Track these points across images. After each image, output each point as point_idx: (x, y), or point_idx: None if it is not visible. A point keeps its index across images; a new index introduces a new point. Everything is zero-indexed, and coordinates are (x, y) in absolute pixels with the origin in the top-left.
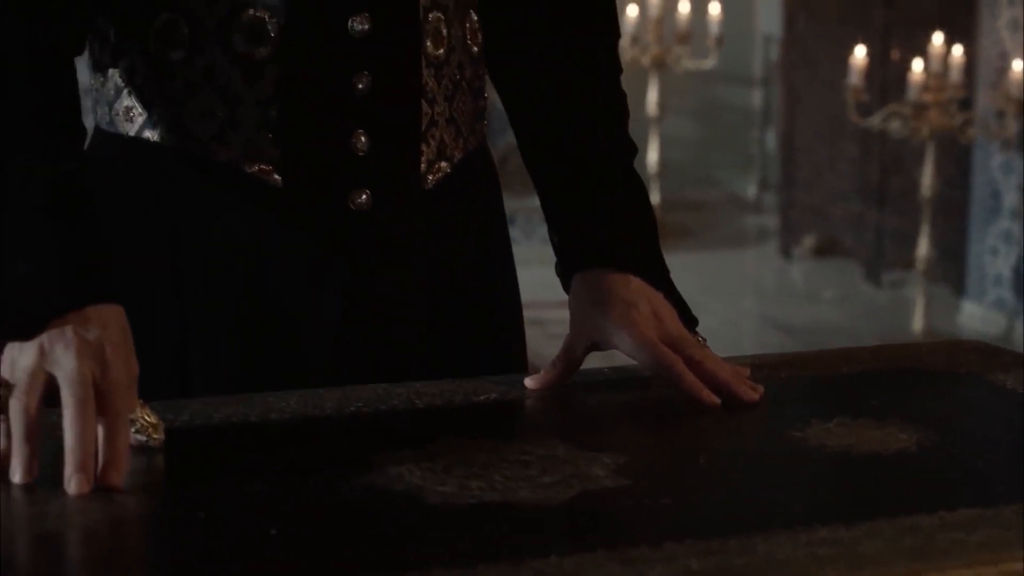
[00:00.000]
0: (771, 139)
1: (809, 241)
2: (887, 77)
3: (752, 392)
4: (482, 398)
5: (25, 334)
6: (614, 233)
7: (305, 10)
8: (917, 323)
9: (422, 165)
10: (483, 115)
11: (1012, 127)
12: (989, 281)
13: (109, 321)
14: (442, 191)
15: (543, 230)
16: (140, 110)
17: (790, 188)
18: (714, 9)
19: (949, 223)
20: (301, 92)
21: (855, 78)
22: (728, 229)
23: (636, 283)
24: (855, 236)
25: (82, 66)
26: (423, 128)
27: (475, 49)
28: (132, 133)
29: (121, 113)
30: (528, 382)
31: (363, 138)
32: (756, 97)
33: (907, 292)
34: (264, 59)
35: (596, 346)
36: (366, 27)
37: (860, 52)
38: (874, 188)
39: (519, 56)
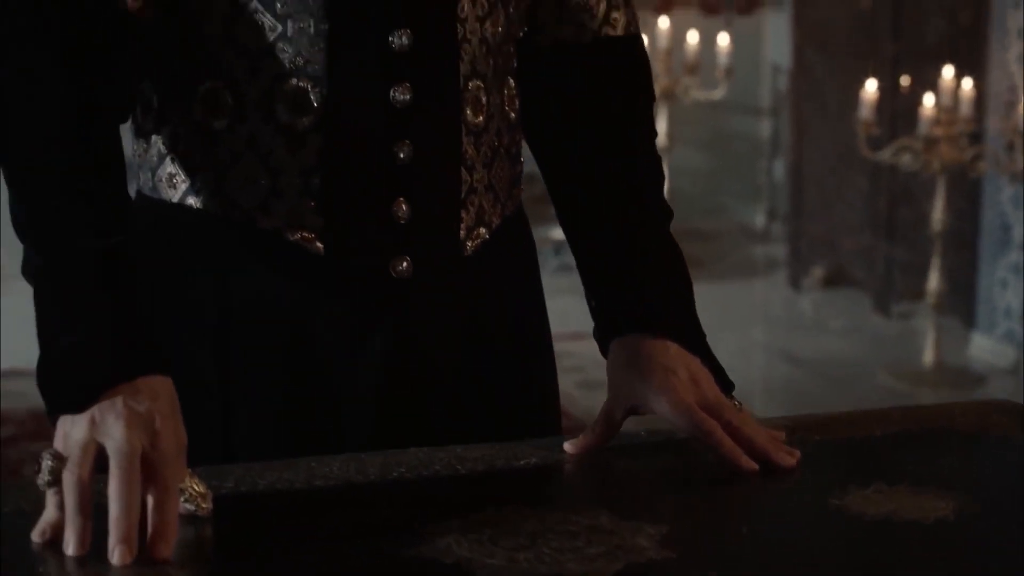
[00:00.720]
0: (779, 169)
1: (818, 272)
2: (896, 109)
3: (789, 457)
4: (523, 463)
5: (77, 407)
6: (652, 299)
7: (347, 80)
8: (927, 355)
9: (461, 232)
10: (519, 180)
11: (1022, 161)
12: (999, 313)
13: (159, 392)
14: (481, 257)
15: (555, 260)
16: (183, 177)
17: (799, 219)
18: (723, 40)
19: (959, 255)
20: (344, 161)
21: (866, 112)
22: (737, 259)
23: (674, 349)
24: (864, 267)
25: (124, 131)
26: (463, 195)
27: (512, 115)
28: (175, 200)
29: (164, 180)
30: (567, 447)
31: (404, 206)
32: (765, 127)
33: (916, 323)
34: (307, 128)
35: (635, 410)
36: (407, 97)
37: (871, 86)
38: (883, 219)
39: (556, 121)
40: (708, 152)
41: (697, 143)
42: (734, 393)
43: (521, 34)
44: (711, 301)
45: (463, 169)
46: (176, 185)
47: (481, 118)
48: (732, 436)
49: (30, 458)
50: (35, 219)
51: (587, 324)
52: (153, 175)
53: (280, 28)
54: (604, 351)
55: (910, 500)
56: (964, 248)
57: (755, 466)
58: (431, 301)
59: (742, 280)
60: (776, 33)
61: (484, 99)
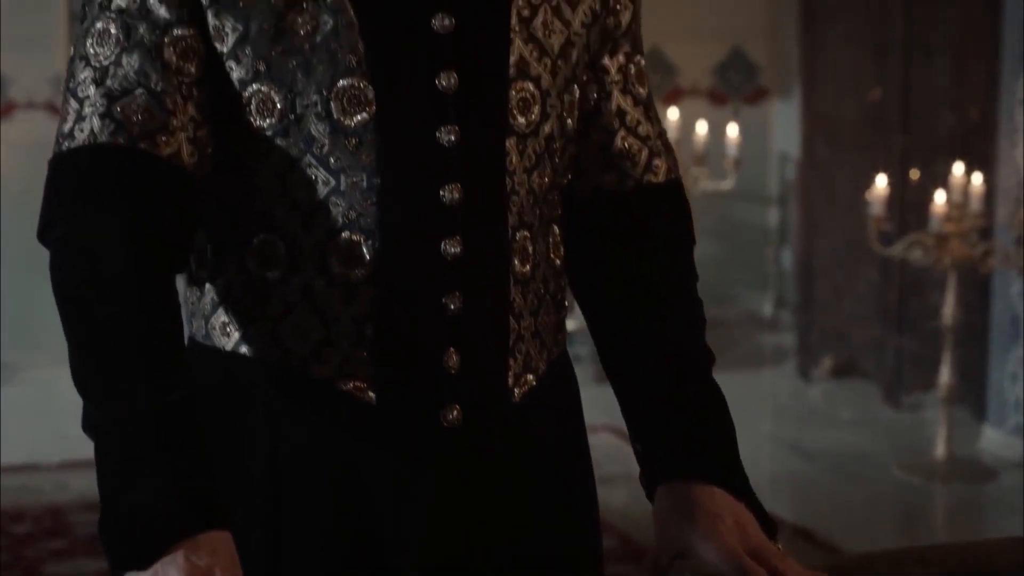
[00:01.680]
0: (787, 257)
1: (828, 362)
2: (906, 202)
3: None
4: None
5: (140, 563)
6: (696, 445)
7: (399, 233)
8: (939, 448)
9: (509, 379)
10: (564, 326)
11: None
12: (1010, 407)
13: (219, 547)
14: (528, 403)
15: (577, 349)
16: (236, 326)
17: (808, 309)
18: (732, 131)
19: (969, 348)
20: (395, 312)
21: (876, 208)
22: (745, 348)
23: (720, 494)
24: (874, 358)
25: (178, 278)
26: (510, 344)
27: (557, 262)
28: (228, 348)
29: (217, 328)
30: None
31: (455, 356)
32: (772, 215)
33: (927, 415)
34: (359, 280)
35: (682, 555)
36: (458, 250)
37: (881, 181)
38: (893, 311)
39: (598, 267)
40: (715, 240)
41: (704, 232)
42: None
43: (565, 181)
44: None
45: (511, 318)
46: (229, 334)
47: (528, 267)
48: None
49: (50, 557)
50: (95, 375)
51: (594, 416)
52: (206, 323)
53: (333, 182)
54: (650, 495)
55: None
56: (974, 341)
57: None
58: (478, 447)
59: (751, 369)
60: (784, 122)
61: (531, 248)
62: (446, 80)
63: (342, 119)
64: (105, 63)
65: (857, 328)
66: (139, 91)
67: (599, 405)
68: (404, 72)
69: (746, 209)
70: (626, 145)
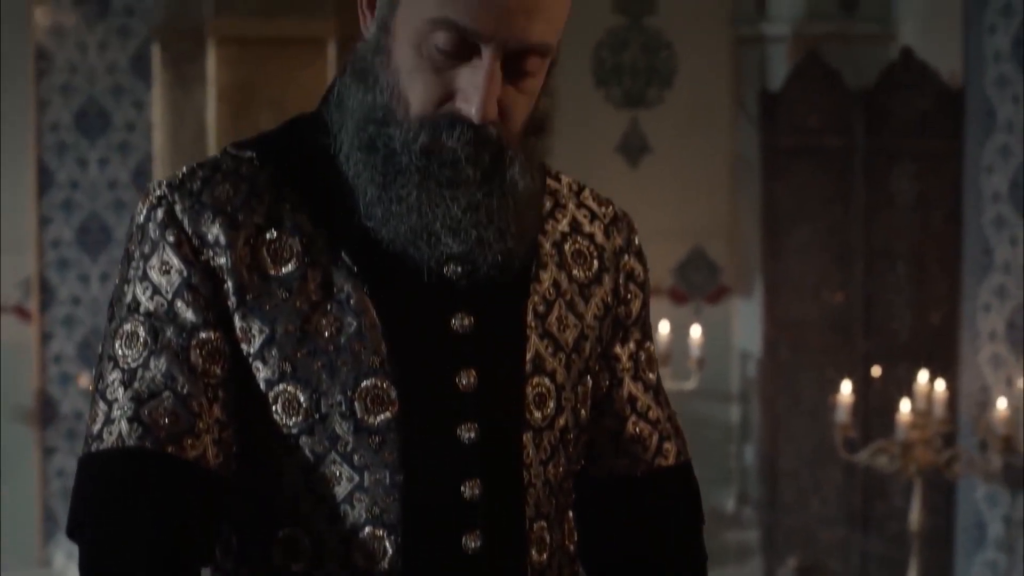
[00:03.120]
0: (749, 453)
1: (793, 562)
2: (869, 406)
3: None
4: None
5: None
6: None
7: (422, 529)
8: None
9: None
10: None
11: (995, 461)
12: None
13: None
14: None
15: None
16: None
17: (773, 509)
18: (695, 332)
19: (934, 551)
20: None
21: (842, 415)
22: (709, 545)
23: None
24: (840, 559)
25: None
26: None
27: (571, 548)
28: None
29: None
30: None
31: None
32: (734, 412)
33: None
34: (383, 574)
35: None
36: (478, 544)
37: (846, 388)
38: (858, 513)
39: (610, 550)
40: None
41: None
42: None
43: (578, 467)
44: None
45: None
46: None
47: (545, 556)
48: None
49: None
50: None
51: None
52: None
53: (357, 479)
54: None
55: None
56: (939, 543)
57: None
58: None
59: (715, 568)
60: (745, 321)
61: (548, 538)
62: (466, 379)
63: (366, 418)
64: (133, 365)
65: (823, 528)
66: (166, 393)
67: None
68: (425, 372)
69: (708, 406)
70: (637, 430)
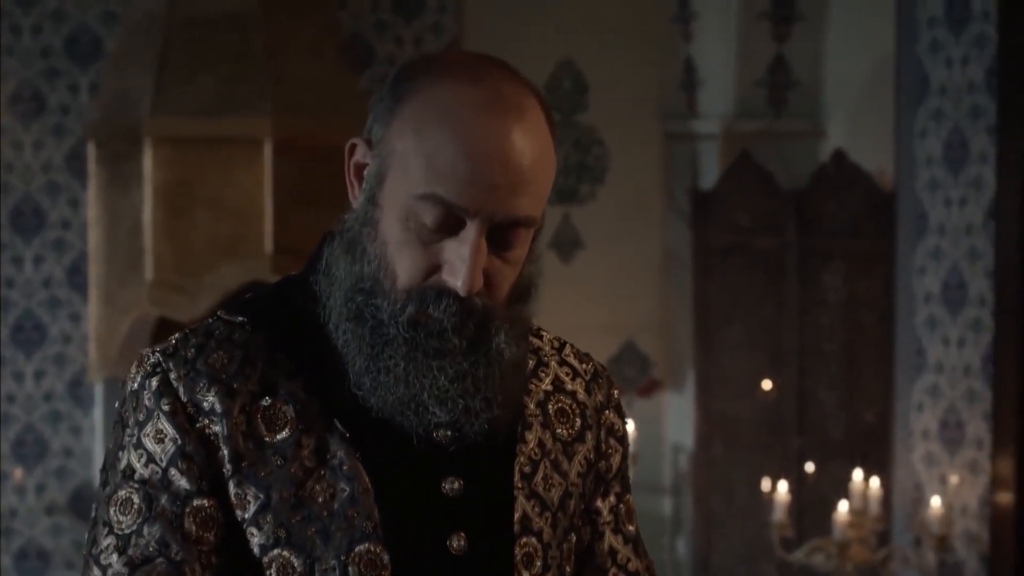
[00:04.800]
0: (681, 546)
1: None
2: (803, 503)
3: None
4: None
5: None
6: None
7: None
8: None
9: None
10: None
11: (930, 558)
12: None
13: None
14: None
15: None
16: None
17: None
18: (628, 425)
19: None
20: None
21: (779, 514)
22: None
23: None
24: None
25: None
26: None
27: None
28: None
29: None
30: None
31: None
32: (666, 504)
33: None
34: None
35: None
36: None
37: (782, 487)
38: None
39: None
40: None
41: None
42: None
43: None
44: None
45: None
46: None
47: None
48: None
49: None
50: None
51: None
52: None
53: None
54: None
55: None
56: None
57: None
58: None
59: None
60: (677, 415)
61: None
62: (456, 542)
63: None
64: (127, 531)
65: None
66: (159, 560)
67: None
68: (417, 536)
69: (640, 499)
70: None
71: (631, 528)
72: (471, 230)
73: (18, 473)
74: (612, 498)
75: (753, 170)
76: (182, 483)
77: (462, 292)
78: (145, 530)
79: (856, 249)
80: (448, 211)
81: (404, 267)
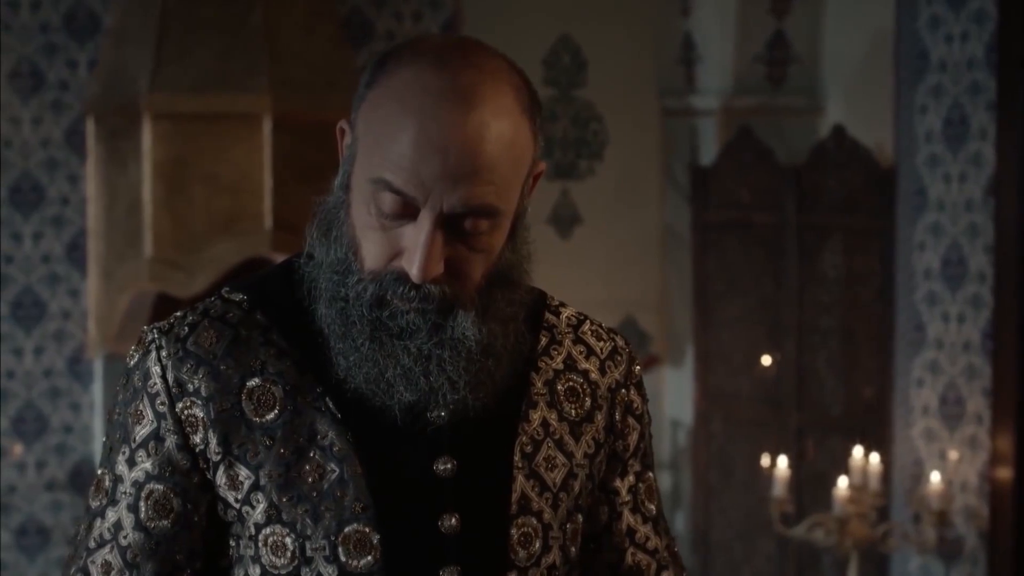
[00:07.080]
0: (680, 520)
1: None
2: (802, 479)
3: None
4: None
5: None
6: None
7: None
8: None
9: None
10: None
11: (929, 534)
12: None
13: None
14: None
15: None
16: None
17: None
18: None
19: None
20: None
21: (779, 490)
22: None
23: None
24: None
25: None
26: None
27: None
28: None
29: None
30: None
31: None
32: (664, 480)
33: None
34: None
35: None
36: None
37: (783, 463)
38: None
39: None
40: None
41: None
42: None
43: None
44: None
45: None
46: None
47: None
48: None
49: None
50: None
51: None
52: None
53: None
54: None
55: None
56: None
57: None
58: None
59: None
60: (675, 389)
61: None
62: (448, 522)
63: (349, 562)
64: (94, 512)
65: None
66: (109, 546)
67: None
68: (407, 517)
69: None
70: (635, 561)
71: (651, 507)
72: (424, 218)
73: (17, 449)
74: (631, 477)
75: (752, 146)
76: (146, 465)
77: (416, 280)
78: (107, 513)
79: (855, 225)
80: (402, 198)
81: (369, 251)
